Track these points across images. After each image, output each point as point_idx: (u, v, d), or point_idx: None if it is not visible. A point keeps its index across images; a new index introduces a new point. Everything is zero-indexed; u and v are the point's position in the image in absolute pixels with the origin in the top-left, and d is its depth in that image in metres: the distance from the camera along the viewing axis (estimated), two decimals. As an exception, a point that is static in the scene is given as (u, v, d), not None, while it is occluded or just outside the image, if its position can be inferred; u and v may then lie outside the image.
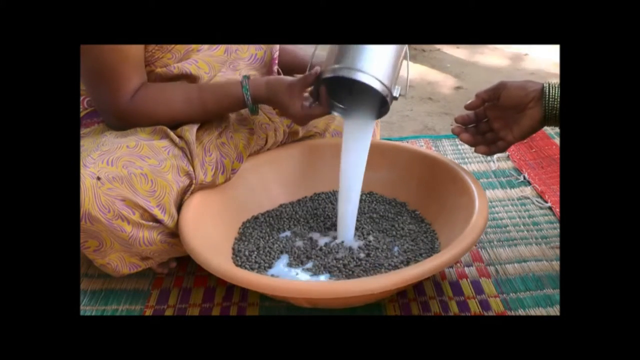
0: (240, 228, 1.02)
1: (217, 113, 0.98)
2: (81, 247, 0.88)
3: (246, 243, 0.97)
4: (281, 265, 0.92)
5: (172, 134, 0.94)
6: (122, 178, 0.86)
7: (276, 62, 1.11)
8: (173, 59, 0.95)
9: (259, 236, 0.99)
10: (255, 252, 0.94)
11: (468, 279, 0.97)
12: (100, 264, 0.92)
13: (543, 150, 1.40)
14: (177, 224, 0.91)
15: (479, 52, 2.27)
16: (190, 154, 0.93)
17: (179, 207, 0.93)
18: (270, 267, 0.92)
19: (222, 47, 0.99)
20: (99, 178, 0.84)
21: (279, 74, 1.12)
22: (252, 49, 1.07)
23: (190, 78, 0.97)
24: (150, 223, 0.89)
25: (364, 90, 0.90)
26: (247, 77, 0.95)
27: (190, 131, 0.94)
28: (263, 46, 1.05)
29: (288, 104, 0.93)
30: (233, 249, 0.97)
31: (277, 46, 1.11)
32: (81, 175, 0.83)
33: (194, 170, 0.93)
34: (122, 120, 0.94)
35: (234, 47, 1.01)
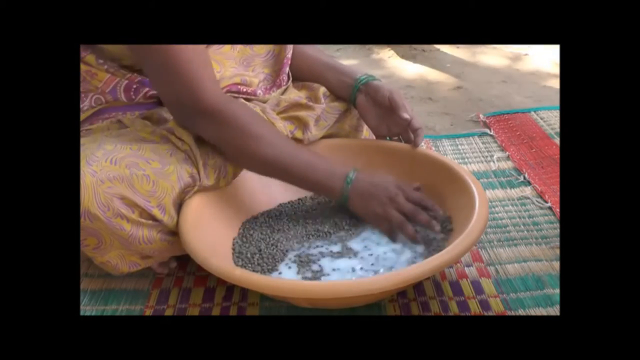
0: (240, 229, 1.01)
1: (295, 176, 0.95)
2: (80, 245, 0.88)
3: (247, 245, 0.97)
4: (283, 267, 0.92)
5: (173, 137, 0.93)
6: (123, 178, 0.86)
7: (289, 62, 1.10)
8: None
9: (259, 238, 0.98)
10: (258, 254, 0.94)
11: (468, 279, 0.97)
12: (99, 261, 0.92)
13: (543, 150, 1.40)
14: (176, 223, 0.91)
15: (479, 52, 2.27)
16: (195, 156, 0.93)
17: (180, 207, 0.93)
18: (272, 269, 0.92)
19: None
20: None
21: (288, 77, 1.12)
22: (269, 45, 1.07)
23: None
24: (150, 222, 0.89)
25: None
26: (353, 172, 0.95)
27: (189, 134, 0.94)
28: None
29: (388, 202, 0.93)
30: (234, 249, 0.96)
31: (290, 46, 1.10)
32: (82, 173, 0.83)
33: (197, 173, 0.93)
34: (210, 116, 0.89)
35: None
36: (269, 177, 0.97)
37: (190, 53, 0.86)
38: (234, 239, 0.99)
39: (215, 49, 0.99)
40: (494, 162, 1.37)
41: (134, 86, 0.96)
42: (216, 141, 0.93)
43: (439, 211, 0.94)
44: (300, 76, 1.13)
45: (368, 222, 0.97)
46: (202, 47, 0.90)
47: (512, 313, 0.89)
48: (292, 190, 1.09)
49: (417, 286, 0.95)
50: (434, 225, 0.91)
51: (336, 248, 0.95)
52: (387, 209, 0.93)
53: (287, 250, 0.95)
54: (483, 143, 1.48)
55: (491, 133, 1.52)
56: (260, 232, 1.00)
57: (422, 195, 0.96)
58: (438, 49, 2.32)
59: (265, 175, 0.97)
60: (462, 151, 1.44)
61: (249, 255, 0.94)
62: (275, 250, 0.95)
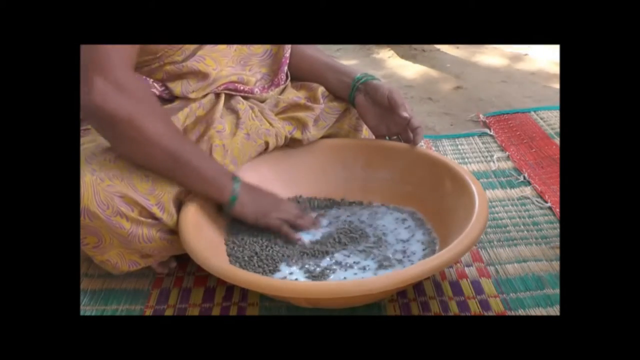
0: (225, 234, 1.00)
1: (188, 168, 0.89)
2: (80, 244, 0.88)
3: (241, 249, 0.96)
4: (285, 268, 0.92)
5: None
6: (122, 176, 0.86)
7: (287, 62, 1.10)
8: (183, 56, 0.95)
9: (253, 241, 0.97)
10: (255, 257, 0.94)
11: (468, 279, 0.97)
12: (99, 260, 0.92)
13: (543, 150, 1.40)
14: (176, 222, 0.91)
15: (479, 52, 2.27)
16: None
17: (179, 206, 0.93)
18: (275, 270, 0.91)
19: None
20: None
21: (287, 76, 1.12)
22: (266, 44, 1.07)
23: (199, 75, 0.97)
24: (149, 220, 0.89)
25: None
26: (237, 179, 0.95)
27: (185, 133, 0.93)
28: None
29: (271, 216, 0.97)
30: (229, 255, 0.95)
31: (289, 45, 1.10)
32: (81, 172, 0.83)
33: None
34: (115, 84, 0.82)
35: None
36: (155, 167, 0.89)
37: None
38: (225, 243, 0.97)
39: (211, 46, 0.99)
40: (494, 162, 1.37)
41: None
42: (112, 117, 0.83)
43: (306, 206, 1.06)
44: (300, 76, 1.13)
45: (254, 223, 0.97)
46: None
47: (512, 313, 0.89)
48: (291, 187, 1.09)
49: (417, 286, 0.95)
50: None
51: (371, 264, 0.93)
52: (277, 213, 0.97)
53: (287, 255, 0.94)
54: (483, 143, 1.48)
55: (491, 133, 1.52)
56: (250, 234, 0.98)
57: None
58: (438, 49, 2.32)
59: (152, 165, 0.88)
60: (462, 151, 1.44)
61: (246, 258, 0.93)
62: (272, 252, 0.94)
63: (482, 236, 1.01)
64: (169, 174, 0.90)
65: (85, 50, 0.81)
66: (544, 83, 1.91)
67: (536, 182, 1.25)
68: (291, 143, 1.09)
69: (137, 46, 0.89)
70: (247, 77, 1.05)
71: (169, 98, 0.99)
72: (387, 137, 1.11)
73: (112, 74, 0.83)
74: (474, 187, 0.94)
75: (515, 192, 1.23)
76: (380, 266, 0.91)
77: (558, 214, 1.13)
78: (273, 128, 1.04)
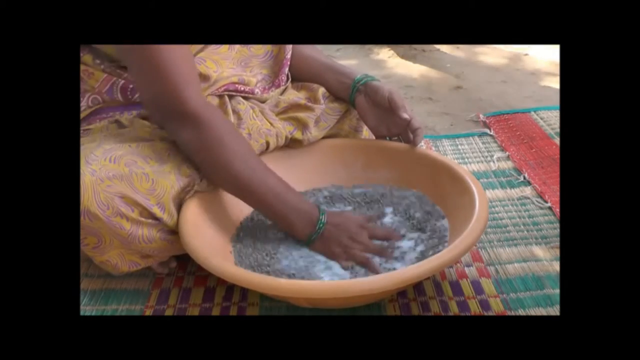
0: (238, 228, 1.01)
1: (261, 202, 0.92)
2: (80, 244, 0.88)
3: (244, 244, 0.96)
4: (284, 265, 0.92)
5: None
6: (122, 176, 0.86)
7: (288, 63, 1.10)
8: None
9: (256, 238, 0.98)
10: (259, 255, 0.94)
11: (468, 279, 0.97)
12: (99, 260, 0.92)
13: (543, 150, 1.40)
14: (176, 222, 0.91)
15: (479, 52, 2.27)
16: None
17: (179, 206, 0.93)
18: (274, 266, 0.92)
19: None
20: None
21: (287, 77, 1.12)
22: (267, 46, 1.07)
23: (200, 77, 0.97)
24: (150, 220, 0.89)
25: None
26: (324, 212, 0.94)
27: None
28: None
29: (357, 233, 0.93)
30: (233, 249, 0.96)
31: (290, 46, 1.10)
32: (81, 172, 0.83)
33: (196, 174, 0.93)
34: (188, 119, 0.87)
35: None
36: (234, 194, 0.94)
37: (177, 54, 0.85)
38: (233, 239, 0.98)
39: (212, 49, 0.99)
40: (494, 162, 1.37)
41: (131, 86, 0.96)
42: (189, 147, 0.90)
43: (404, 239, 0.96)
44: (299, 77, 1.13)
45: (327, 258, 0.93)
46: (188, 49, 0.88)
47: (512, 313, 0.89)
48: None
49: (417, 286, 0.95)
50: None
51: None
52: (348, 250, 0.92)
53: (284, 249, 0.95)
54: (483, 143, 1.48)
55: (491, 133, 1.52)
56: (259, 231, 0.99)
57: (386, 229, 0.98)
58: (438, 49, 2.32)
59: (230, 192, 0.94)
60: (462, 151, 1.44)
61: (246, 255, 0.93)
62: (272, 251, 0.94)
63: (482, 236, 1.01)
64: (246, 202, 0.94)
65: (160, 90, 0.86)
66: (544, 83, 1.91)
67: (536, 182, 1.25)
68: (292, 144, 1.09)
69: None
70: (248, 78, 1.05)
71: None
72: (387, 138, 1.11)
73: (190, 114, 0.87)
74: (474, 187, 0.94)
75: (515, 192, 1.23)
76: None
77: (558, 214, 1.13)
78: (274, 128, 1.04)
